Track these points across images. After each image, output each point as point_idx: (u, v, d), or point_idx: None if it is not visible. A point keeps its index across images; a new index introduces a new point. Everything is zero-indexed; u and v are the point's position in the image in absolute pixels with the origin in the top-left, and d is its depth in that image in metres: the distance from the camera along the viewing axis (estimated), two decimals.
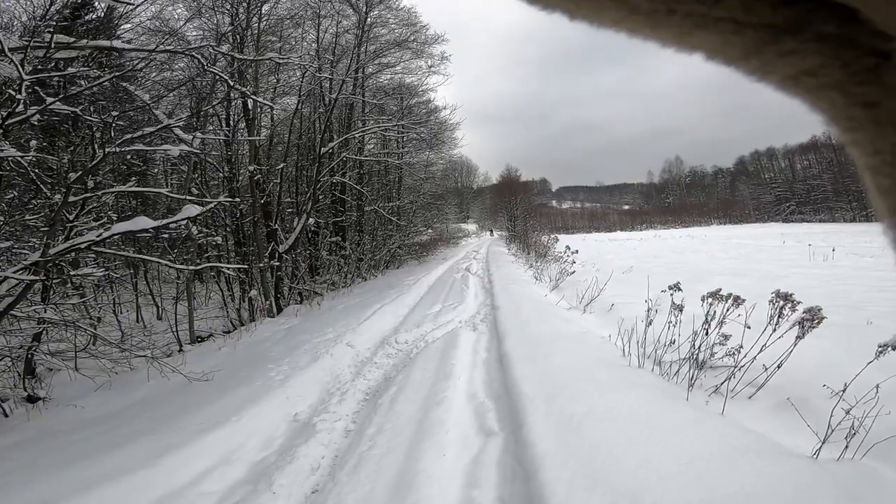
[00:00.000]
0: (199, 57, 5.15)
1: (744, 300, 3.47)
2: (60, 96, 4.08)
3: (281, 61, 7.82)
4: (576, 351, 4.00)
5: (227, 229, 10.38)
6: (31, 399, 5.02)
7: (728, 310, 3.42)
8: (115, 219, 6.91)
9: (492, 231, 47.98)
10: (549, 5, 0.26)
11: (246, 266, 8.57)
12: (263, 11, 9.76)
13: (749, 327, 3.35)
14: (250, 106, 9.57)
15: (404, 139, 17.52)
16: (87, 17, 9.11)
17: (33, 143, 4.76)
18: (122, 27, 9.12)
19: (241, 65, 8.84)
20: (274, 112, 11.72)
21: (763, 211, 71.91)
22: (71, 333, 5.53)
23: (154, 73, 9.43)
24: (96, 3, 9.10)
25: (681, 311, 3.62)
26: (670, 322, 3.70)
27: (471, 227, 55.93)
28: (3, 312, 3.77)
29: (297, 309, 9.09)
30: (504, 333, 4.92)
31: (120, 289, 10.10)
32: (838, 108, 0.25)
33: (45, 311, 5.05)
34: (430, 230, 22.10)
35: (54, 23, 7.75)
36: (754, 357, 3.17)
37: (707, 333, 3.38)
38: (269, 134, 11.83)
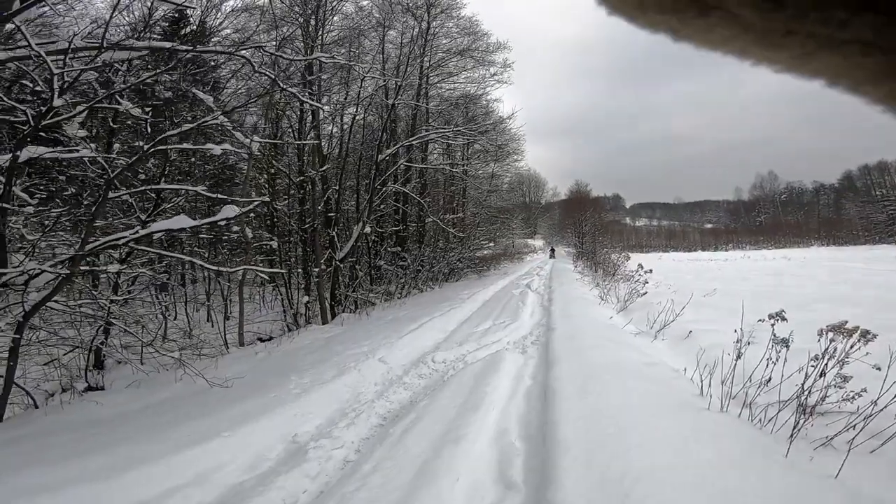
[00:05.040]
0: (248, 59, 5.11)
1: (875, 335, 2.64)
2: (105, 94, 4.13)
3: (346, 64, 8.09)
4: (640, 386, 3.25)
5: (296, 236, 10.68)
6: (92, 389, 5.18)
7: (854, 347, 2.58)
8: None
9: (553, 251, 36.63)
10: (652, 24, 0.24)
11: (283, 271, 8.69)
12: (330, 24, 10.07)
13: (879, 368, 2.57)
14: (320, 116, 9.90)
15: (469, 151, 17.23)
16: (183, 31, 9.98)
17: (92, 145, 4.98)
18: (212, 40, 10.04)
19: (307, 73, 9.21)
20: (343, 120, 12.01)
21: (874, 232, 62.49)
22: (136, 330, 5.67)
23: (231, 78, 10.22)
24: (191, 18, 10.00)
25: (787, 346, 2.80)
26: (769, 358, 2.87)
27: (538, 242, 54.11)
28: (38, 304, 3.80)
29: (347, 317, 8.92)
30: (554, 359, 4.23)
31: (200, 289, 10.67)
32: None
33: (110, 308, 5.17)
34: (493, 244, 21.47)
35: (157, 35, 8.41)
36: (885, 405, 2.36)
37: (823, 374, 2.55)
38: (338, 142, 12.11)
